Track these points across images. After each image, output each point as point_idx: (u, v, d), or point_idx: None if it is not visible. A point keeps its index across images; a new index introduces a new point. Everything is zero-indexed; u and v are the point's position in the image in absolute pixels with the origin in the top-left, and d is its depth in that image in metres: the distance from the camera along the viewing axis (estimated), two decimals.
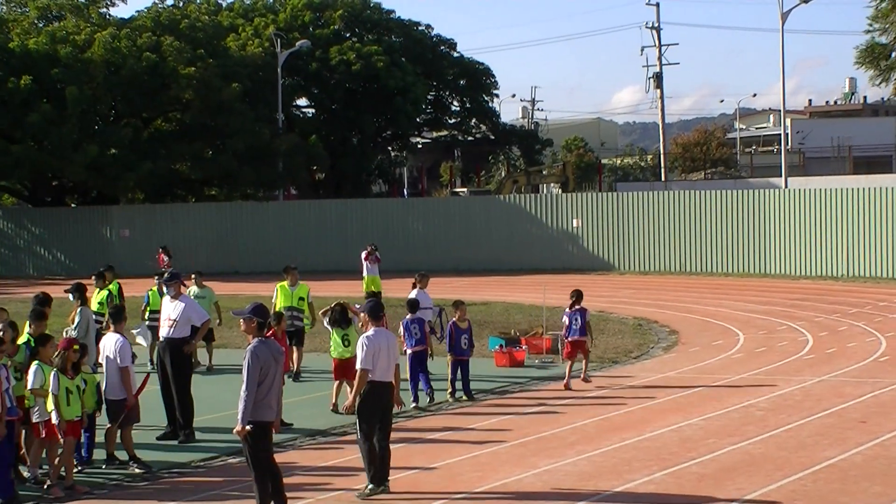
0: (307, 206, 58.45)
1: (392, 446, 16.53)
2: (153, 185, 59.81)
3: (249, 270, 49.76)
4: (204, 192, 65.87)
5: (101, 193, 62.61)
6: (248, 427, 12.31)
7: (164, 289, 18.57)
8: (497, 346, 25.10)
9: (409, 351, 20.29)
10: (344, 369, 19.30)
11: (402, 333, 20.43)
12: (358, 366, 13.96)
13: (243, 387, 12.40)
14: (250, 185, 63.50)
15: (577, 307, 21.86)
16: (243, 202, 61.71)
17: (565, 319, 22.01)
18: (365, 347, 13.92)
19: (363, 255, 37.78)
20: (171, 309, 17.86)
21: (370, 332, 14.16)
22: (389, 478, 14.07)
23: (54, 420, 14.30)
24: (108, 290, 23.56)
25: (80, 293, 21.00)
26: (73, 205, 65.10)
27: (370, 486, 13.89)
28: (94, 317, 21.12)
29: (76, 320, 20.19)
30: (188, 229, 56.23)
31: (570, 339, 21.90)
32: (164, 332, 17.75)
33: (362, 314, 14.29)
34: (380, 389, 13.95)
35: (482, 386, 21.63)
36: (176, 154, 58.73)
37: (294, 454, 16.47)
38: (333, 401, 19.39)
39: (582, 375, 21.87)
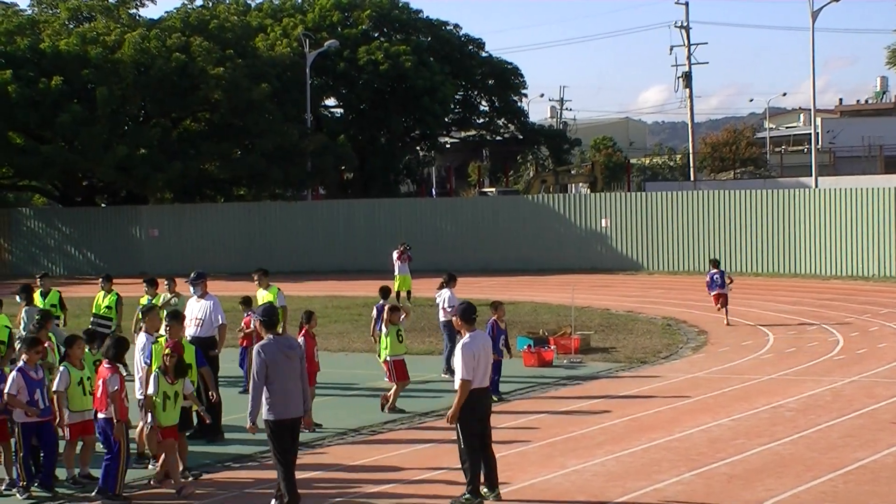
0: (335, 205, 58.52)
1: (419, 447, 16.62)
2: (182, 185, 60.06)
3: (277, 270, 49.65)
4: (232, 192, 66.16)
5: (131, 193, 62.99)
6: (254, 424, 12.66)
7: (191, 289, 18.60)
8: (525, 346, 25.05)
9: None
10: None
11: (374, 316, 22.17)
12: (458, 377, 13.35)
13: (251, 385, 12.78)
14: (279, 185, 63.74)
15: (717, 270, 30.95)
16: (272, 202, 61.92)
17: (708, 279, 31.19)
18: (462, 356, 13.27)
19: (395, 254, 37.78)
20: (197, 308, 17.93)
21: (466, 338, 13.50)
22: (417, 478, 14.02)
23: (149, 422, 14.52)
24: (117, 294, 23.34)
25: (27, 293, 20.80)
26: (102, 205, 65.48)
27: (467, 496, 13.41)
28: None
29: (23, 321, 19.90)
30: (217, 229, 56.45)
31: (714, 292, 30.80)
32: (190, 331, 17.80)
33: (454, 318, 13.97)
34: (479, 396, 13.43)
35: (510, 386, 21.59)
36: (205, 154, 58.95)
37: (324, 453, 16.48)
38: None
39: (726, 320, 30.41)
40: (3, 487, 14.45)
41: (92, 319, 22.79)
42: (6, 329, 17.43)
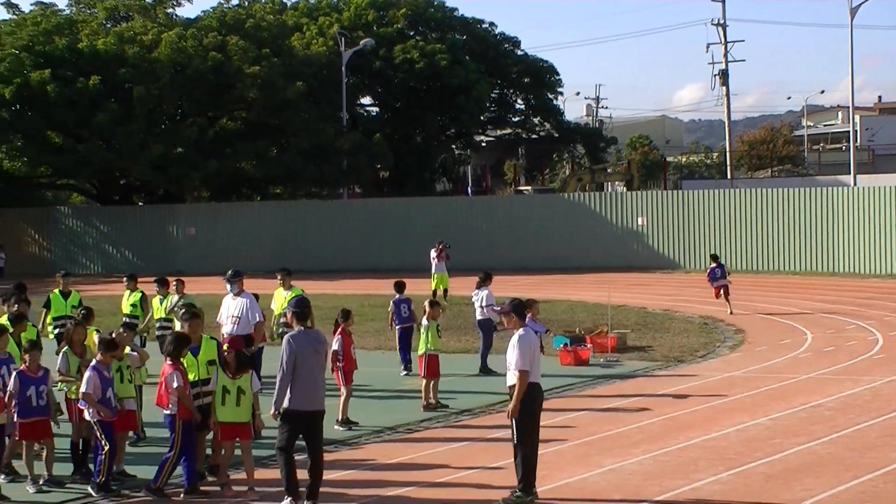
0: (371, 204, 58.59)
1: (455, 445, 16.59)
2: (218, 183, 60.36)
3: (313, 268, 49.89)
4: (268, 191, 66.39)
5: (168, 192, 63.33)
6: (279, 413, 12.81)
7: (228, 286, 18.63)
8: (561, 345, 24.99)
9: (398, 327, 23.17)
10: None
11: (391, 311, 23.36)
12: (516, 368, 13.27)
13: (279, 374, 12.90)
14: (314, 184, 63.90)
15: (718, 264, 33.39)
16: (307, 200, 62.06)
17: (709, 273, 33.42)
18: (519, 348, 13.26)
19: (434, 252, 37.78)
20: (233, 306, 17.99)
21: (521, 331, 13.50)
22: (453, 476, 13.98)
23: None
24: (141, 292, 23.25)
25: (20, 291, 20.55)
26: (139, 203, 65.87)
27: (518, 493, 13.25)
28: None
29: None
30: (252, 228, 56.61)
31: (716, 284, 32.94)
32: (227, 328, 17.86)
33: (503, 315, 14.02)
34: (534, 390, 13.40)
35: (546, 384, 21.44)
36: (240, 153, 59.15)
37: (360, 451, 16.48)
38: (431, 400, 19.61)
39: (729, 310, 32.25)
40: (42, 483, 14.51)
41: (124, 320, 22.80)
42: (34, 329, 17.49)
